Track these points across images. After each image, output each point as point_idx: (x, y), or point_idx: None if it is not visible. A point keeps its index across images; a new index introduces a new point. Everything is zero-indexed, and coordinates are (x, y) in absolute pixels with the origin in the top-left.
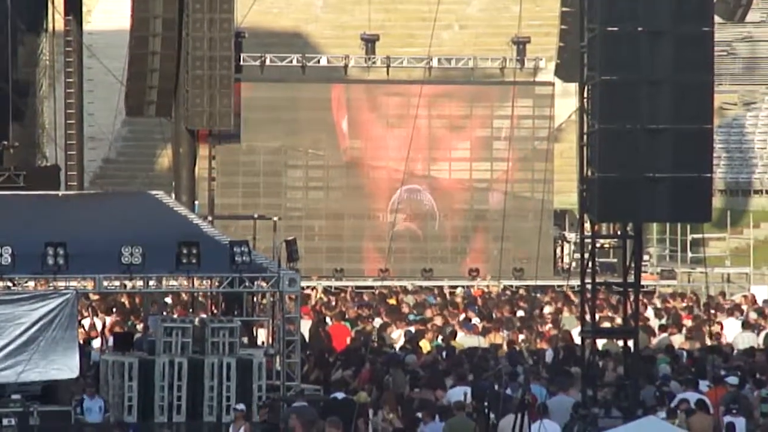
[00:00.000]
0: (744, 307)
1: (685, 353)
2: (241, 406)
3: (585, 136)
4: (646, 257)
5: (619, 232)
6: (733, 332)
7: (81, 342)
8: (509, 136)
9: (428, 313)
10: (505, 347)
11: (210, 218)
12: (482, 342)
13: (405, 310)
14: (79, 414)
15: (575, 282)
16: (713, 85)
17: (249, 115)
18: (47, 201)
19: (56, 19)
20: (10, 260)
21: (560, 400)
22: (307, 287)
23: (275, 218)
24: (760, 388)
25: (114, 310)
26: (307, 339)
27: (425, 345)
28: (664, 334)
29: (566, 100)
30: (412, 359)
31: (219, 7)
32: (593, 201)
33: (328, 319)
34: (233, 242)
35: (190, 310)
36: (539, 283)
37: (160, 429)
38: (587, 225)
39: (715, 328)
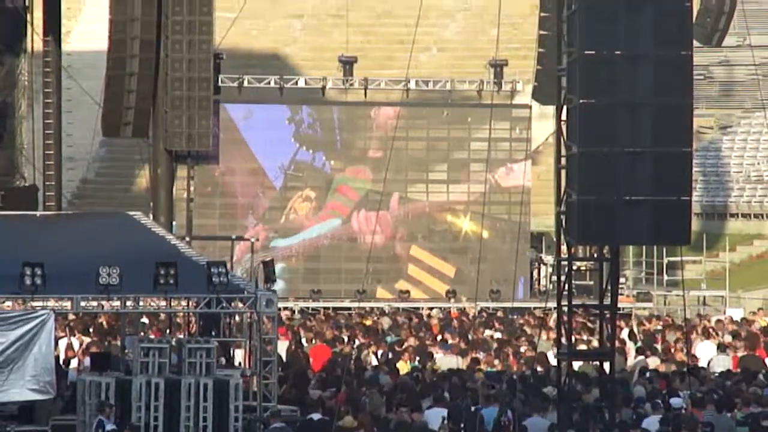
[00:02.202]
0: (719, 331)
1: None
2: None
3: (562, 159)
4: (622, 280)
5: (595, 255)
6: (708, 355)
7: (58, 362)
8: (486, 158)
9: (404, 335)
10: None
11: (188, 239)
12: (460, 363)
13: (380, 331)
14: None
15: (552, 304)
16: (692, 109)
17: (227, 136)
18: (25, 221)
19: (35, 40)
20: None
21: (535, 422)
22: (284, 308)
23: (253, 239)
24: (732, 411)
25: (91, 330)
26: (284, 359)
27: (403, 366)
28: (641, 357)
29: (543, 123)
30: (387, 380)
31: (198, 29)
32: (572, 224)
33: (304, 340)
34: (210, 263)
35: (168, 330)
36: (516, 305)
37: None
38: (564, 247)
39: (691, 351)
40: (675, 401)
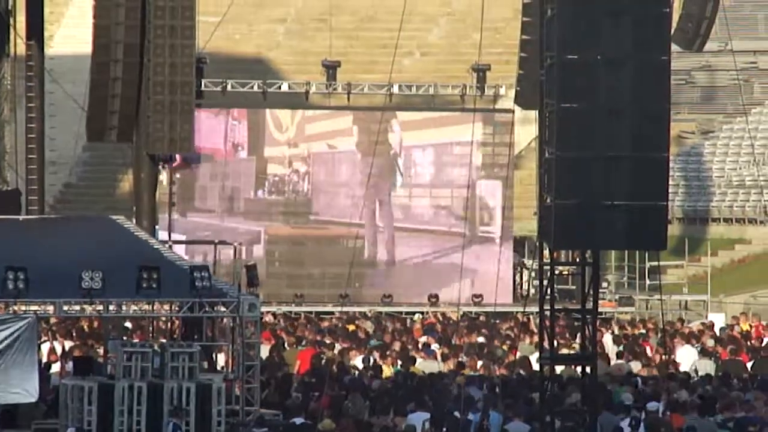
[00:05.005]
0: (701, 335)
1: (640, 380)
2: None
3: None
4: (604, 284)
5: (577, 259)
6: (690, 359)
7: (41, 366)
8: (469, 162)
9: (387, 338)
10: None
11: (170, 243)
12: (442, 367)
13: (363, 335)
14: None
15: (534, 308)
16: (670, 114)
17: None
18: (7, 225)
19: (17, 43)
20: None
21: (516, 427)
22: (267, 313)
23: (236, 243)
24: (714, 415)
25: (74, 334)
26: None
27: (386, 370)
28: (621, 361)
29: (526, 128)
30: (370, 385)
31: (180, 33)
32: (548, 228)
33: (286, 344)
34: (193, 267)
35: (150, 334)
36: (498, 309)
37: None
38: (546, 252)
39: (673, 356)
40: (651, 405)
